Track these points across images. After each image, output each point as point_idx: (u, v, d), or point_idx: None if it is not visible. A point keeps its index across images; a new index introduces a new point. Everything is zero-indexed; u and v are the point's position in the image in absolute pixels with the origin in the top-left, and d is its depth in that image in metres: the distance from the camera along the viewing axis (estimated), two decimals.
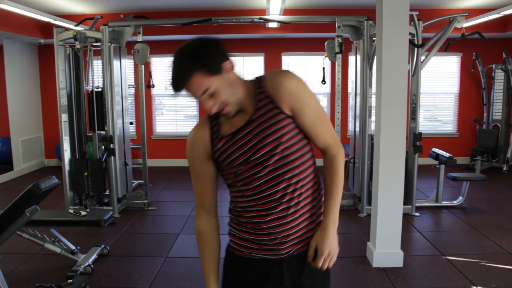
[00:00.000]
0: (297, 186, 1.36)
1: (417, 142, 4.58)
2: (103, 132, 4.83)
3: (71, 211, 3.51)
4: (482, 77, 7.16)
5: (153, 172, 6.73)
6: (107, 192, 4.99)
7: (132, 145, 5.54)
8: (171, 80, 1.28)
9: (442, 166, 4.92)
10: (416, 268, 3.41)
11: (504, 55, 6.74)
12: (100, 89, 4.84)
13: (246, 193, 1.38)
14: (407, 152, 4.47)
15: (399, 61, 3.26)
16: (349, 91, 5.74)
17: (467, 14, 4.84)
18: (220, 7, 6.21)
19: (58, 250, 3.40)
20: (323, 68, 4.96)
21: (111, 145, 4.73)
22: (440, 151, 5.10)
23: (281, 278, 1.42)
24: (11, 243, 3.29)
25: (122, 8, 6.14)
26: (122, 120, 5.10)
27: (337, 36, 4.69)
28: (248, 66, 7.72)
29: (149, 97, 7.46)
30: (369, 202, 4.43)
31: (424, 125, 7.67)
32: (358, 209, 4.82)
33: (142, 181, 5.28)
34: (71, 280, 2.78)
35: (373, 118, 4.37)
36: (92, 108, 4.82)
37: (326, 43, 4.80)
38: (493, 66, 7.01)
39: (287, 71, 1.37)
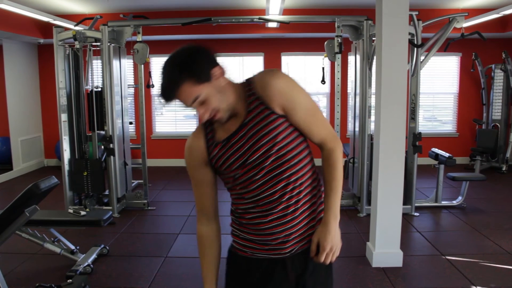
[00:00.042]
0: (296, 184, 1.37)
1: (416, 142, 4.58)
2: (102, 132, 4.82)
3: (71, 211, 3.51)
4: (481, 77, 7.17)
5: (153, 172, 6.73)
6: (106, 192, 4.99)
7: (131, 145, 5.54)
8: (160, 91, 1.28)
9: (442, 166, 4.93)
10: (416, 268, 3.41)
11: (503, 55, 6.74)
12: (99, 89, 4.83)
13: (246, 195, 1.39)
14: (406, 152, 4.48)
15: (399, 61, 3.26)
16: (348, 91, 5.75)
17: (467, 14, 4.84)
18: (220, 7, 6.21)
19: (57, 250, 3.40)
20: (323, 68, 4.96)
21: (111, 145, 4.73)
22: (440, 151, 5.10)
23: (285, 277, 1.42)
24: (10, 243, 3.30)
25: (122, 8, 6.14)
26: (121, 120, 5.10)
27: (337, 36, 4.69)
28: (248, 66, 7.72)
29: (148, 97, 7.46)
30: (369, 202, 4.44)
31: (424, 125, 7.67)
32: (358, 209, 4.82)
33: (141, 181, 5.28)
34: (70, 280, 2.79)
35: (372, 118, 4.38)
36: (92, 108, 4.82)
37: (325, 43, 4.80)
38: (493, 66, 7.02)
39: (274, 71, 1.36)
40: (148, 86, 5.32)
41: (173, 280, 3.25)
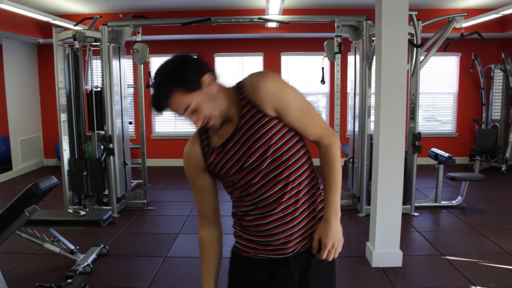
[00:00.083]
0: (294, 184, 1.37)
1: (416, 142, 4.58)
2: (102, 132, 4.82)
3: (70, 210, 3.51)
4: (481, 77, 7.17)
5: (152, 171, 6.73)
6: (106, 192, 4.99)
7: (131, 145, 5.54)
8: (152, 102, 1.29)
9: (441, 166, 4.93)
10: (415, 268, 3.41)
11: (503, 55, 6.75)
12: (99, 89, 4.83)
13: (245, 198, 1.40)
14: (406, 152, 4.48)
15: (398, 61, 3.26)
16: (348, 91, 5.75)
17: (466, 14, 4.84)
18: (219, 7, 6.21)
19: (57, 249, 3.40)
20: (322, 68, 4.96)
21: (110, 145, 4.72)
22: (439, 151, 5.11)
23: (289, 276, 1.43)
24: (10, 243, 3.29)
25: (121, 7, 6.14)
26: (121, 119, 5.10)
27: (336, 36, 4.69)
28: (247, 66, 7.72)
29: (148, 97, 7.44)
30: (368, 202, 4.44)
31: (423, 125, 7.68)
32: (357, 209, 4.82)
33: (141, 181, 5.28)
34: (70, 280, 2.78)
35: (372, 118, 4.38)
36: (91, 107, 4.82)
37: (325, 43, 4.80)
38: (492, 66, 7.02)
39: (263, 73, 1.36)
40: (148, 86, 5.32)
41: (172, 280, 3.25)
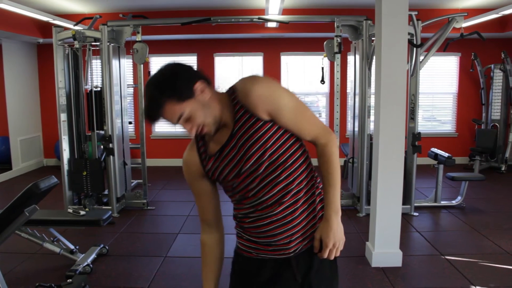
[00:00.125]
0: (293, 186, 1.37)
1: (416, 142, 4.58)
2: (102, 132, 4.82)
3: (70, 210, 3.51)
4: (480, 77, 7.17)
5: (152, 171, 6.73)
6: (106, 192, 4.99)
7: (131, 145, 5.54)
8: (145, 112, 1.30)
9: (441, 166, 4.93)
10: (415, 267, 3.41)
11: (502, 55, 6.75)
12: (99, 89, 4.83)
13: (245, 201, 1.41)
14: (406, 152, 4.48)
15: (398, 61, 3.26)
16: (348, 91, 5.75)
17: (466, 14, 4.84)
18: (219, 6, 6.21)
19: (57, 249, 3.40)
20: (322, 68, 4.96)
21: (110, 145, 4.72)
22: (439, 151, 5.11)
23: (291, 276, 1.43)
24: (10, 243, 3.29)
25: (121, 7, 6.14)
26: (121, 119, 5.10)
27: (336, 36, 4.69)
28: (247, 66, 7.72)
29: None
30: (368, 202, 4.44)
31: (423, 125, 7.68)
32: (357, 209, 4.82)
33: (141, 181, 5.28)
34: (70, 280, 2.78)
35: (372, 118, 4.38)
36: (91, 107, 4.82)
37: (325, 43, 4.80)
38: (492, 66, 7.02)
39: (254, 77, 1.35)
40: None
41: (172, 279, 3.25)
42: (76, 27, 5.21)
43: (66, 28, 4.91)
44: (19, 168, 6.98)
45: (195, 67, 1.33)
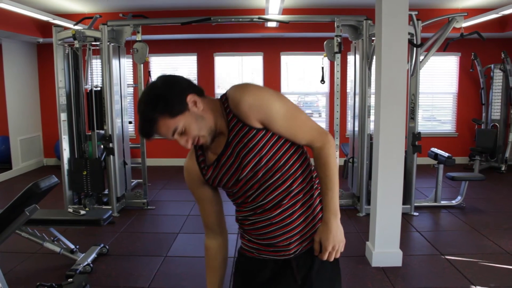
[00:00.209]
0: (291, 189, 1.38)
1: (416, 141, 4.58)
2: (102, 131, 4.82)
3: (70, 210, 3.51)
4: (480, 77, 7.18)
5: (152, 171, 6.73)
6: (106, 191, 4.99)
7: (131, 144, 5.54)
8: (139, 130, 1.30)
9: (441, 166, 4.93)
10: (415, 267, 3.41)
11: (502, 55, 6.75)
12: (99, 88, 4.83)
13: (245, 206, 1.43)
14: (406, 151, 4.48)
15: (398, 61, 3.26)
16: (348, 90, 5.75)
17: (466, 14, 4.84)
18: (219, 6, 6.21)
19: (57, 249, 3.40)
20: (322, 68, 4.96)
21: (110, 144, 4.72)
22: (439, 150, 5.11)
23: (292, 277, 1.44)
24: (10, 242, 3.29)
25: (121, 7, 6.14)
26: (121, 119, 5.10)
27: (336, 36, 4.69)
28: (247, 65, 7.72)
29: None
30: (368, 202, 4.44)
31: (423, 125, 7.68)
32: (357, 209, 4.82)
33: (141, 180, 5.28)
34: (71, 279, 2.78)
35: (372, 117, 4.38)
36: (91, 107, 4.82)
37: (325, 42, 4.80)
38: (492, 66, 7.02)
39: (243, 86, 1.34)
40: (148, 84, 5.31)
41: (172, 279, 3.25)
42: (76, 27, 5.21)
43: (66, 28, 4.91)
44: (19, 167, 6.97)
45: (185, 76, 1.33)
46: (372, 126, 4.22)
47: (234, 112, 1.32)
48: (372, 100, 3.98)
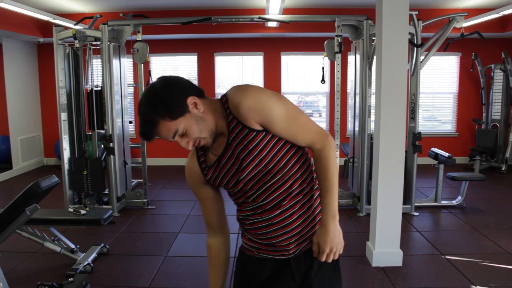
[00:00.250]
0: (291, 190, 1.38)
1: (416, 141, 4.58)
2: (102, 131, 4.82)
3: (71, 210, 3.51)
4: (481, 77, 7.17)
5: (153, 171, 6.73)
6: (106, 191, 4.99)
7: (131, 144, 5.54)
8: (140, 132, 1.30)
9: (441, 166, 4.93)
10: (416, 267, 3.41)
11: (503, 55, 6.75)
12: (99, 88, 4.83)
13: (245, 205, 1.44)
14: (406, 151, 4.48)
15: (399, 61, 3.26)
16: (348, 90, 5.75)
17: (467, 14, 4.84)
18: (220, 6, 6.21)
19: (57, 249, 3.40)
20: (323, 68, 4.96)
21: (111, 144, 4.72)
22: (439, 150, 5.11)
23: (291, 277, 1.45)
24: (10, 242, 3.28)
25: (122, 7, 6.14)
26: (121, 119, 5.10)
27: (337, 36, 4.69)
28: (248, 65, 7.73)
29: None
30: (369, 202, 4.44)
31: (423, 125, 7.68)
32: (358, 209, 4.82)
33: (141, 180, 5.27)
34: (72, 279, 2.78)
35: (372, 117, 4.38)
36: (92, 107, 4.82)
37: (325, 42, 4.80)
38: (492, 66, 7.02)
39: (243, 88, 1.33)
40: (148, 85, 5.31)
41: (173, 279, 3.25)
42: (77, 27, 5.20)
43: (66, 28, 4.90)
44: (19, 167, 6.98)
45: (186, 76, 1.34)
46: (372, 126, 4.22)
47: (234, 114, 1.32)
48: (373, 100, 3.99)
